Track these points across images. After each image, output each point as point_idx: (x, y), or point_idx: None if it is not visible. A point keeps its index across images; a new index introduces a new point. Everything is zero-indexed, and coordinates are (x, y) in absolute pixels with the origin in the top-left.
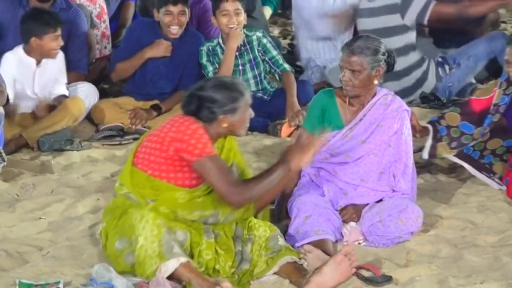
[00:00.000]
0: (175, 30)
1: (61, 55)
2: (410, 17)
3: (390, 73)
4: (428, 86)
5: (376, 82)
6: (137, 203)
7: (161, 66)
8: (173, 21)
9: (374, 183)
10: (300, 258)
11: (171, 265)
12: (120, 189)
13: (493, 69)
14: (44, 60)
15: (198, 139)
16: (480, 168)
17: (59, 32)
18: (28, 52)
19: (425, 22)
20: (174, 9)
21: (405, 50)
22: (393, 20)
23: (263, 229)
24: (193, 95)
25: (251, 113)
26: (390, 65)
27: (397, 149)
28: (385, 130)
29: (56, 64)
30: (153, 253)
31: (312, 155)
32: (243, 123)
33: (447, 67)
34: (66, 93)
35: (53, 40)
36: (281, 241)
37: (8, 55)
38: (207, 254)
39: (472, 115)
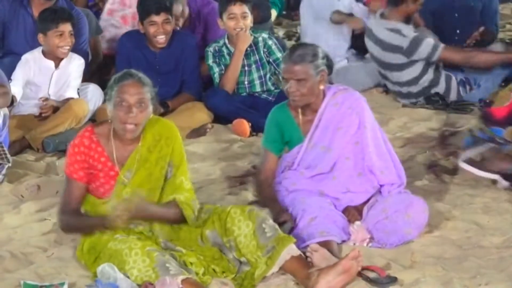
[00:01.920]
0: (162, 40)
1: (81, 62)
2: (418, 57)
3: (408, 94)
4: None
5: (322, 87)
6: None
7: (157, 78)
8: (158, 30)
9: (357, 187)
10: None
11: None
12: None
13: None
14: (63, 63)
15: (67, 156)
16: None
17: (63, 28)
18: (45, 53)
19: (433, 61)
20: (158, 18)
21: (415, 79)
22: (400, 58)
23: (244, 224)
24: None
25: (126, 118)
26: (330, 68)
27: (364, 143)
28: (345, 131)
29: (75, 68)
30: (149, 279)
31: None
32: (117, 118)
33: (468, 87)
34: (75, 97)
35: (56, 36)
36: (269, 230)
37: (27, 57)
38: (192, 261)
39: (497, 122)
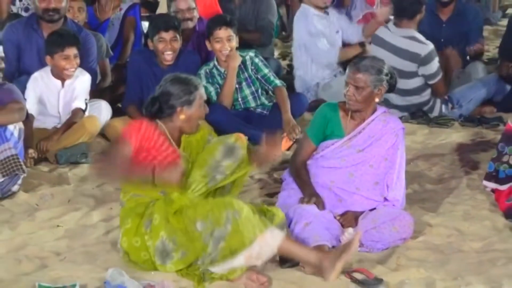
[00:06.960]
0: (169, 56)
1: (87, 77)
2: (425, 71)
3: (402, 107)
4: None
5: (377, 100)
6: (149, 198)
7: None
8: (166, 47)
9: (369, 192)
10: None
11: (272, 239)
12: (126, 195)
13: None
14: (68, 82)
15: (127, 127)
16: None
17: (68, 52)
18: (52, 73)
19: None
20: (166, 35)
21: (419, 89)
22: (413, 66)
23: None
24: (154, 98)
25: (206, 109)
26: (391, 86)
27: (392, 162)
28: (382, 143)
29: (81, 82)
30: (255, 222)
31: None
32: (197, 118)
33: (450, 105)
34: (83, 106)
35: (63, 59)
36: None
37: (36, 76)
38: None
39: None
